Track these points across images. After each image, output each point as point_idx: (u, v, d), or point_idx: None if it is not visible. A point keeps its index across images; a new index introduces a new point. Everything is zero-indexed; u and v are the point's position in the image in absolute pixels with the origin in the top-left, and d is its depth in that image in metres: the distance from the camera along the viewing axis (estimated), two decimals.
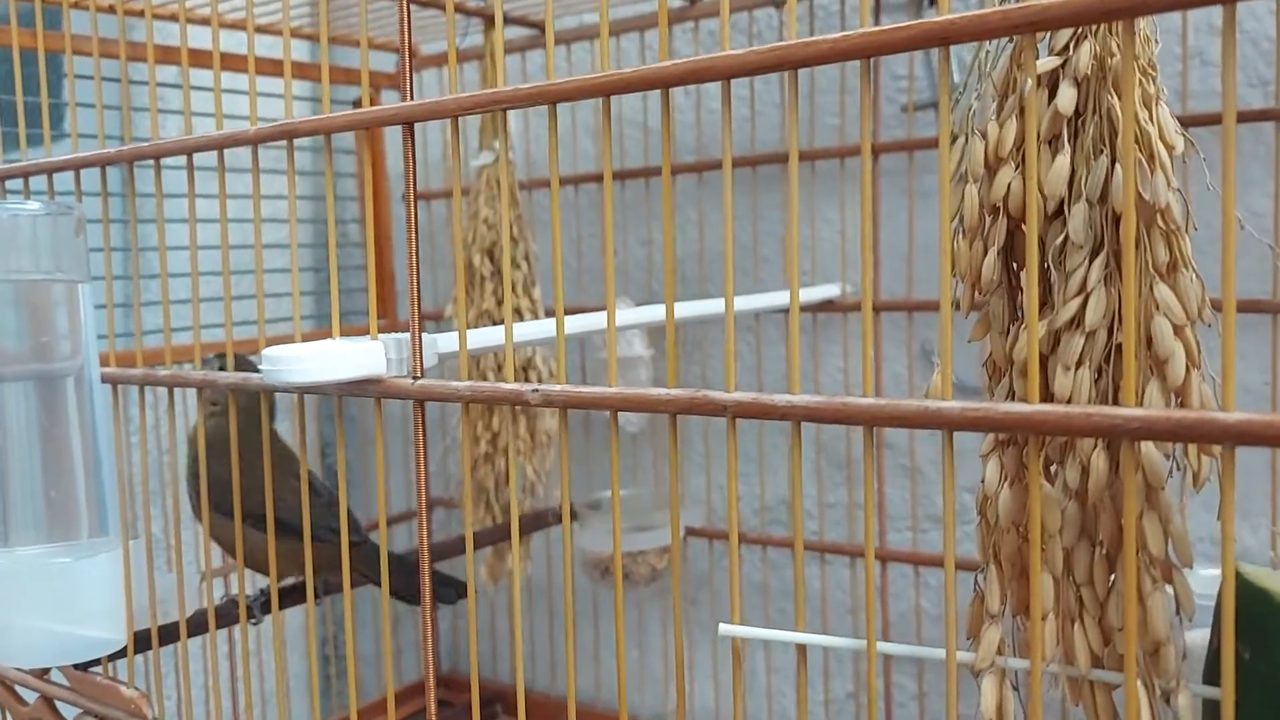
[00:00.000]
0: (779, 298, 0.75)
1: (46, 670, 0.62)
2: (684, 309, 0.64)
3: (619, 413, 0.90)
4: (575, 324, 0.56)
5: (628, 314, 0.62)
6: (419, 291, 0.45)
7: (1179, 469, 0.31)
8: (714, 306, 0.68)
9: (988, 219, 0.33)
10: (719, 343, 0.88)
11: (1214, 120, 0.65)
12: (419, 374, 0.45)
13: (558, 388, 0.40)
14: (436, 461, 1.07)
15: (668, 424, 0.37)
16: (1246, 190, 0.67)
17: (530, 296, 0.87)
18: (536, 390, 0.41)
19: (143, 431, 0.55)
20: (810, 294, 0.75)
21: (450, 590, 0.71)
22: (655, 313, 0.65)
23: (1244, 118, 0.64)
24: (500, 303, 0.86)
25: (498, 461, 0.88)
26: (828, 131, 0.82)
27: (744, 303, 0.70)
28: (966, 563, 0.79)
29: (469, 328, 0.47)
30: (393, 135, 1.08)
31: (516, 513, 0.43)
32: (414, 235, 0.43)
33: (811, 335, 0.82)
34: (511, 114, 0.87)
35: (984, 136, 0.33)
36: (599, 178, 0.92)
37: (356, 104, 1.00)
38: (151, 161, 0.53)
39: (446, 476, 1.07)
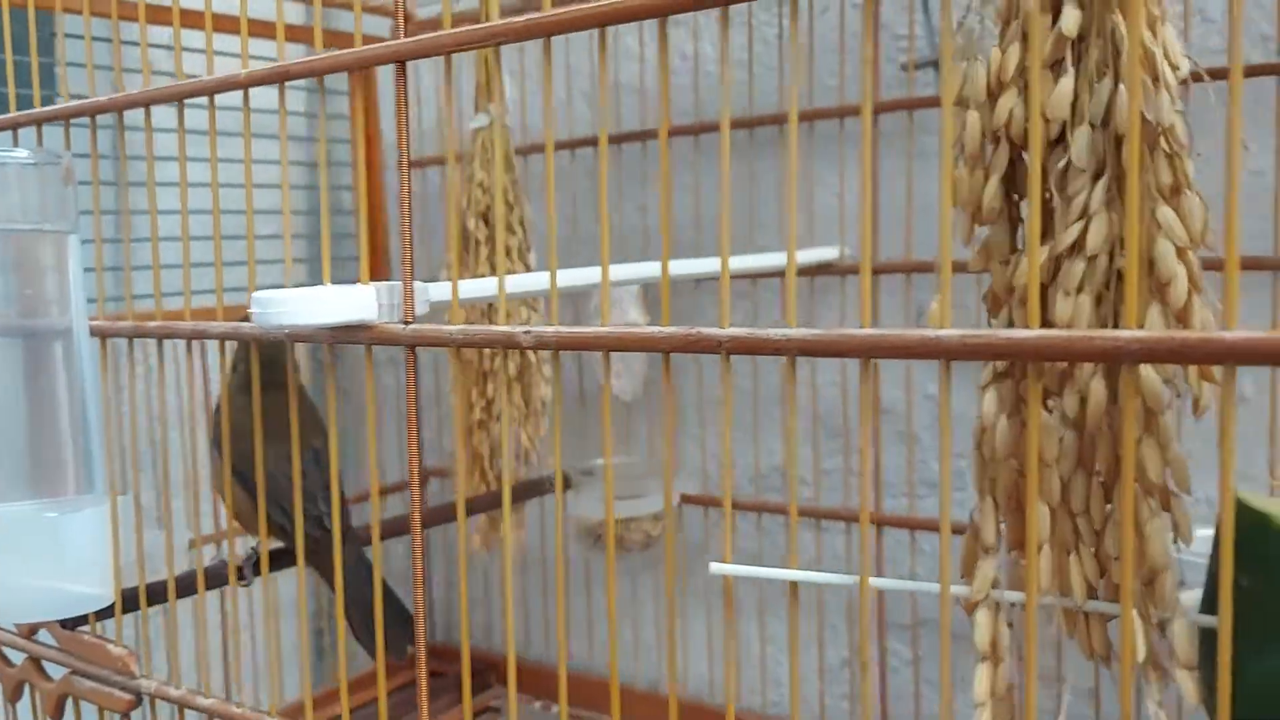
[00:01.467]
0: (775, 258, 0.74)
1: (34, 630, 0.62)
2: (679, 266, 0.64)
3: (615, 385, 0.88)
4: (568, 277, 0.55)
5: (622, 269, 0.62)
6: (411, 234, 0.44)
7: (1179, 396, 0.30)
8: (709, 264, 0.67)
9: (989, 147, 0.33)
10: (716, 306, 0.87)
11: (1215, 76, 0.64)
12: (410, 318, 0.44)
13: (550, 329, 0.39)
14: (431, 429, 1.07)
15: (661, 386, 0.37)
16: (1245, 150, 0.66)
17: (525, 263, 0.86)
18: (529, 332, 0.40)
19: (131, 386, 0.54)
20: (808, 256, 0.75)
21: (403, 641, 0.68)
22: (650, 269, 0.64)
23: (1245, 73, 0.63)
24: (495, 269, 0.85)
25: (492, 429, 0.87)
26: (826, 92, 0.81)
27: (739, 263, 0.69)
28: (961, 526, 0.80)
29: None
30: (386, 104, 1.07)
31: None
32: (406, 173, 0.43)
33: (809, 300, 0.82)
34: (507, 79, 0.86)
35: (986, 62, 0.32)
36: (594, 141, 0.92)
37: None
38: (142, 110, 0.52)
39: (440, 448, 1.07)
